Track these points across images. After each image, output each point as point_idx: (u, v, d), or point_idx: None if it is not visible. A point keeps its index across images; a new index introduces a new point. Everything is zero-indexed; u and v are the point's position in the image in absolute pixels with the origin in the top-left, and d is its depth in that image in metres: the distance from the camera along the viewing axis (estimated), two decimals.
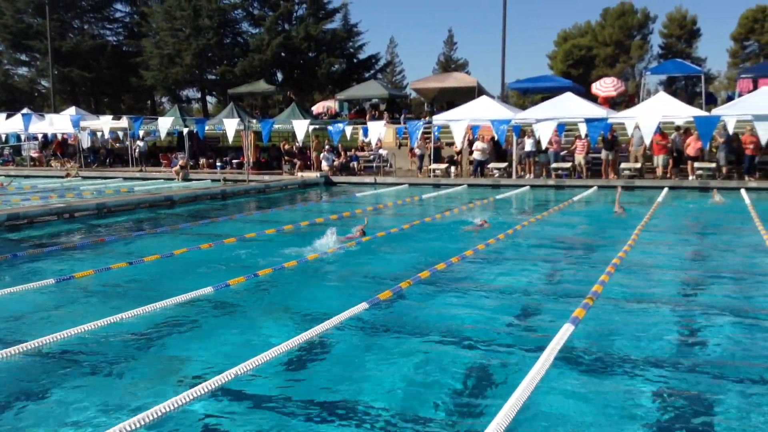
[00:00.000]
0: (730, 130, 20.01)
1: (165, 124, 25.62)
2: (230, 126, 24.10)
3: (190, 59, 42.33)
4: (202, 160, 29.36)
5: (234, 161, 28.47)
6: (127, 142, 32.37)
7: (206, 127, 28.37)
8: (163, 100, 56.67)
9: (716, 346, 5.48)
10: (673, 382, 4.71)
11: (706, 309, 6.64)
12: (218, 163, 28.33)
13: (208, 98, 49.90)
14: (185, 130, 27.89)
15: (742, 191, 17.65)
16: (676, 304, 6.89)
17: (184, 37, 42.64)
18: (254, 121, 26.14)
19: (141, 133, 29.70)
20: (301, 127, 23.88)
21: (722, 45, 71.41)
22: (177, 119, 27.45)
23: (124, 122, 29.61)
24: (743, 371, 4.87)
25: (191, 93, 51.38)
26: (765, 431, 3.91)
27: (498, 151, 23.56)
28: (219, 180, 24.40)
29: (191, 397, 4.19)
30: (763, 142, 19.09)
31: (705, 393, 4.50)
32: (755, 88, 25.81)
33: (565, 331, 5.40)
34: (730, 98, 28.97)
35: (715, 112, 20.66)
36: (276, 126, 27.34)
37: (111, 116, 28.98)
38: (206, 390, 4.31)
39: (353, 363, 5.15)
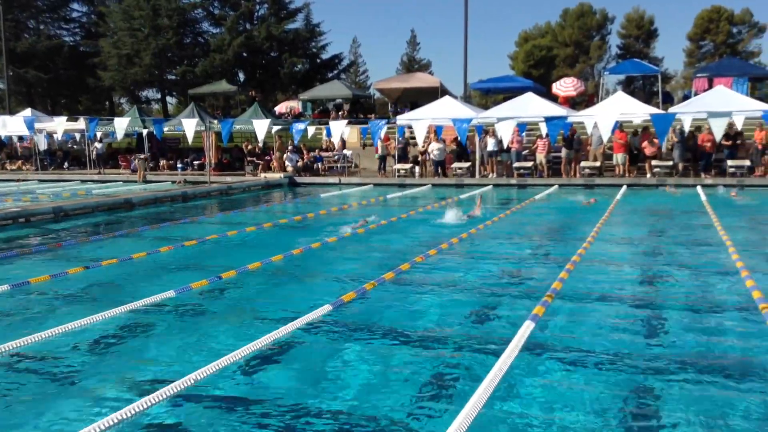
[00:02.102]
0: (686, 129, 20.53)
1: (122, 124, 25.16)
2: (189, 126, 23.77)
3: (149, 59, 41.68)
4: (163, 162, 28.93)
5: (195, 162, 28.13)
6: (85, 144, 31.73)
7: (166, 128, 27.94)
8: (122, 101, 55.68)
9: (674, 340, 5.59)
10: (631, 376, 4.78)
11: (664, 303, 6.79)
12: (179, 165, 27.95)
13: (169, 99, 49.23)
14: (144, 132, 27.45)
15: (698, 188, 18.08)
16: (635, 299, 7.02)
17: (143, 36, 41.96)
18: (215, 121, 25.84)
19: (98, 134, 29.10)
20: (262, 127, 23.68)
21: (679, 45, 73.18)
22: (135, 120, 26.98)
23: (80, 124, 28.99)
24: (699, 364, 4.98)
25: (151, 94, 50.67)
26: (720, 421, 3.99)
27: (461, 150, 23.72)
28: (178, 182, 24.03)
29: (152, 402, 4.12)
30: (717, 139, 19.61)
31: (663, 386, 4.58)
32: (710, 86, 26.50)
33: (526, 328, 5.45)
34: (686, 97, 29.68)
35: (671, 110, 21.15)
36: (238, 126, 27.07)
37: (65, 117, 28.31)
38: (168, 394, 4.24)
39: (317, 365, 5.12)
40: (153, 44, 41.58)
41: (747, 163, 19.86)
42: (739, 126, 20.02)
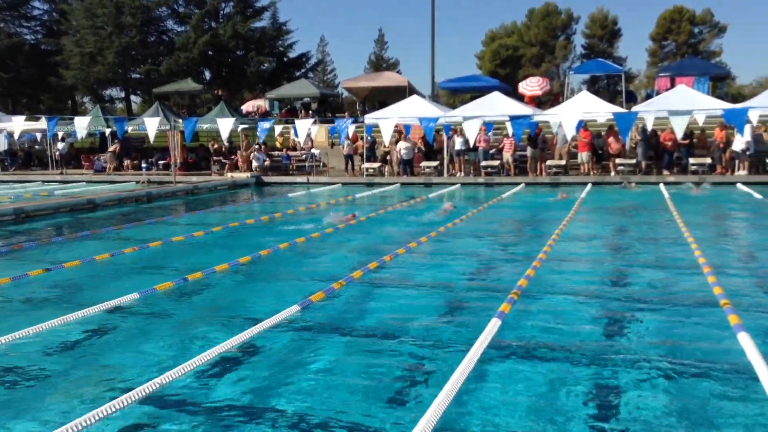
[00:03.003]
0: (649, 127, 20.91)
1: (82, 123, 24.69)
2: (151, 125, 23.44)
3: (113, 58, 40.97)
4: (127, 161, 28.47)
5: (160, 162, 27.72)
6: (47, 144, 31.06)
7: (129, 128, 27.52)
8: (85, 100, 54.61)
9: (638, 335, 5.68)
10: (597, 371, 4.85)
11: (628, 300, 6.89)
12: (143, 165, 27.52)
13: (133, 98, 48.44)
14: (107, 131, 26.98)
15: (661, 186, 18.42)
16: (600, 296, 7.12)
17: (106, 35, 41.21)
18: (180, 120, 25.52)
19: (60, 134, 28.52)
20: (226, 126, 23.47)
21: (642, 45, 74.34)
22: (98, 119, 26.51)
23: (42, 123, 28.35)
24: (663, 359, 5.06)
25: (115, 92, 49.74)
26: (683, 416, 4.06)
27: (429, 149, 23.78)
28: (142, 182, 23.66)
29: (117, 407, 4.03)
30: (678, 137, 20.00)
31: (628, 381, 4.65)
32: (672, 86, 27.00)
33: (493, 325, 5.48)
34: (649, 96, 30.19)
35: (634, 109, 21.51)
36: (205, 126, 26.78)
37: (24, 117, 27.67)
38: (132, 399, 4.16)
39: (285, 365, 5.09)
40: (116, 42, 40.87)
41: (708, 161, 20.29)
42: (700, 124, 20.46)
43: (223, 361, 5.08)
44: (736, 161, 20.17)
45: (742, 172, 19.86)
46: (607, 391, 4.49)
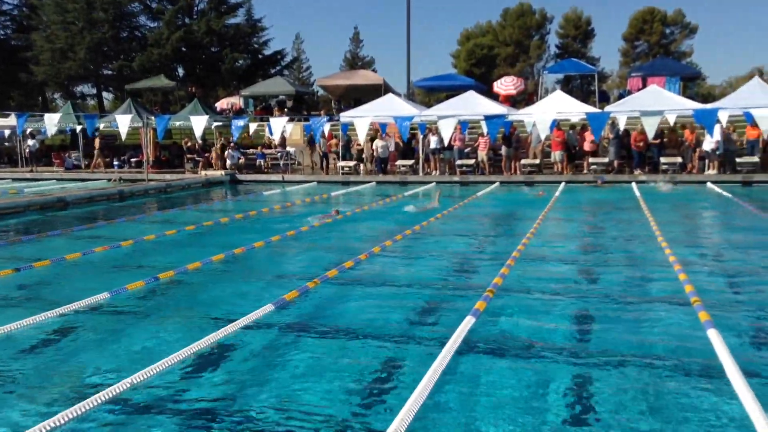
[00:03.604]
0: (621, 127, 21.17)
1: (52, 120, 24.29)
2: (123, 122, 23.15)
3: (84, 53, 40.35)
4: (98, 159, 28.06)
5: (132, 160, 27.39)
6: (16, 141, 30.49)
7: (102, 125, 27.15)
8: (56, 96, 53.72)
9: (610, 333, 5.73)
10: (570, 368, 4.88)
11: (601, 297, 6.96)
12: (115, 162, 27.17)
13: (105, 94, 47.79)
14: (78, 128, 26.59)
15: (633, 184, 18.65)
16: (573, 293, 7.18)
17: (77, 30, 40.57)
18: (153, 117, 25.24)
19: (29, 130, 28.02)
20: (200, 124, 23.25)
21: (614, 45, 75.13)
22: (68, 116, 26.09)
23: (11, 120, 27.83)
24: (635, 355, 5.12)
25: (86, 89, 48.98)
26: (656, 411, 4.11)
27: (406, 148, 23.79)
28: (114, 180, 23.35)
29: (86, 408, 3.96)
30: (650, 136, 20.27)
31: (601, 377, 4.69)
32: (644, 86, 27.35)
33: (467, 323, 5.50)
34: (621, 96, 30.56)
35: (607, 109, 21.76)
36: (178, 123, 26.52)
37: None
38: (103, 400, 4.09)
39: (259, 365, 5.05)
40: (88, 38, 40.26)
41: (679, 160, 20.59)
42: (671, 124, 20.76)
43: (195, 361, 5.02)
44: (706, 161, 20.50)
45: (711, 172, 20.20)
46: (581, 388, 4.53)
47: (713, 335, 5.07)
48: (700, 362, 4.89)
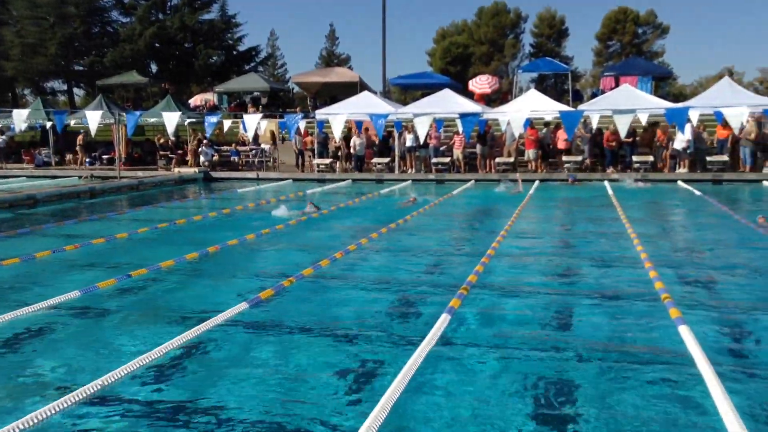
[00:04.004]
0: (594, 126, 21.40)
1: (21, 116, 23.85)
2: (93, 118, 22.81)
3: (55, 49, 39.66)
4: (69, 156, 27.66)
5: (104, 157, 27.01)
6: None
7: (72, 121, 26.74)
8: (26, 92, 52.71)
9: (583, 329, 5.80)
10: (544, 365, 4.92)
11: (575, 294, 7.03)
12: (87, 159, 26.78)
13: (76, 90, 46.97)
14: (48, 124, 26.16)
15: (606, 183, 18.86)
16: (547, 290, 7.23)
17: (48, 25, 39.89)
18: (124, 114, 24.92)
19: None
20: (172, 120, 23.00)
21: (588, 44, 76.01)
22: (38, 112, 25.64)
23: None
24: (608, 352, 5.18)
25: (57, 85, 48.15)
26: (626, 407, 4.16)
27: (383, 145, 23.77)
28: (85, 177, 23.00)
29: (57, 410, 3.90)
30: (622, 135, 20.52)
31: (575, 374, 4.73)
32: (617, 85, 27.65)
33: (442, 321, 5.51)
34: (594, 95, 30.87)
35: (580, 108, 21.97)
36: (152, 120, 26.20)
37: None
38: (73, 401, 4.03)
39: (232, 364, 5.00)
40: (59, 33, 39.60)
41: (651, 158, 20.86)
42: (643, 122, 21.03)
43: (168, 361, 4.96)
44: (677, 159, 20.80)
45: (682, 170, 20.50)
46: (554, 385, 4.56)
47: (684, 331, 5.14)
48: (671, 357, 4.95)
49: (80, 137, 26.54)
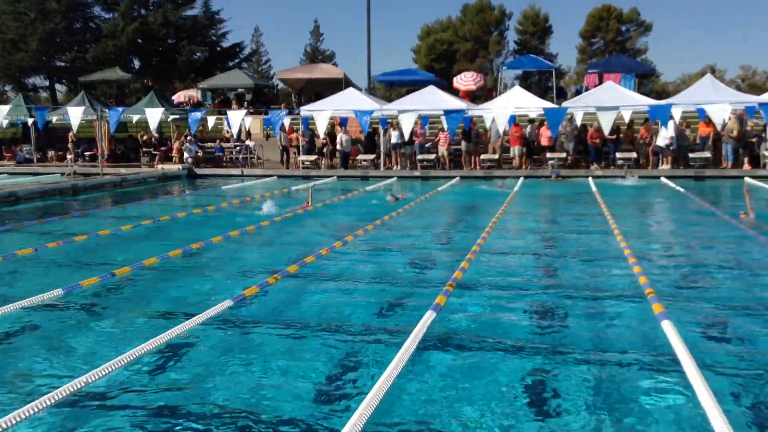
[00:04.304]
0: (578, 123, 21.51)
1: (2, 113, 23.61)
2: (75, 114, 22.59)
3: (36, 45, 39.20)
4: (51, 153, 27.36)
5: (87, 153, 26.74)
6: None
7: (54, 118, 26.46)
8: (7, 88, 52.05)
9: (568, 324, 5.83)
10: (529, 361, 4.95)
11: (559, 290, 7.05)
12: (69, 156, 26.51)
13: (58, 86, 46.47)
14: (30, 121, 25.87)
15: (590, 179, 18.98)
16: (532, 286, 7.26)
17: (29, 21, 39.41)
18: (107, 110, 24.70)
19: None
20: (155, 117, 22.83)
21: (572, 42, 76.29)
22: (19, 108, 25.34)
23: None
24: (593, 348, 5.21)
25: (39, 81, 47.58)
26: (610, 402, 4.18)
27: (367, 142, 23.73)
28: (67, 174, 22.76)
29: (39, 408, 3.84)
30: (606, 132, 20.64)
31: (561, 370, 4.75)
32: (600, 82, 27.80)
33: (427, 318, 5.51)
34: (578, 92, 31.02)
35: (564, 105, 22.06)
36: (136, 116, 25.99)
37: None
38: (56, 399, 3.98)
39: (216, 362, 4.97)
40: (40, 29, 39.13)
41: (634, 155, 21.00)
42: (626, 119, 21.16)
43: (151, 359, 4.93)
44: (660, 156, 20.97)
45: (665, 167, 20.67)
46: (540, 381, 4.58)
47: (667, 326, 5.18)
48: (654, 353, 4.99)
49: (71, 134, 26.24)
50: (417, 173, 21.80)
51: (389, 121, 22.88)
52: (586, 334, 5.55)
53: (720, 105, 19.40)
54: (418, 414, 4.07)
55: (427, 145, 23.15)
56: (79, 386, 4.18)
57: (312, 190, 14.68)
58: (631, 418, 3.96)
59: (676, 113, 20.36)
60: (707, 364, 4.65)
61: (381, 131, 23.01)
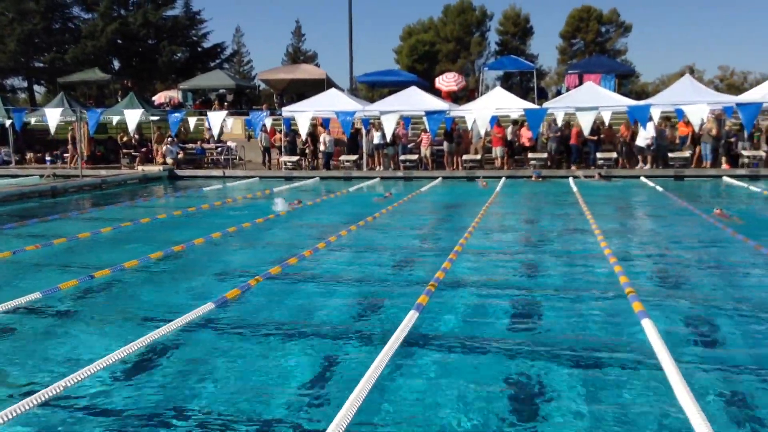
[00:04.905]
0: (559, 123, 21.66)
1: None
2: (53, 116, 22.35)
3: (14, 45, 38.70)
4: (30, 155, 27.03)
5: (65, 155, 26.44)
6: None
7: (33, 119, 26.15)
8: None
9: (549, 324, 5.86)
10: (511, 361, 4.97)
11: (541, 289, 7.09)
12: (47, 158, 26.20)
13: (36, 88, 45.89)
14: (8, 122, 25.52)
15: (570, 179, 19.11)
16: (514, 286, 7.30)
17: (7, 21, 38.90)
18: (86, 111, 24.45)
19: None
20: (134, 118, 22.65)
21: (553, 42, 76.79)
22: None
23: None
24: (574, 347, 5.24)
25: (17, 82, 46.97)
26: (591, 399, 4.22)
27: (350, 143, 23.71)
28: (46, 176, 22.48)
29: (17, 412, 3.79)
30: (585, 132, 20.80)
31: (543, 369, 4.78)
32: (581, 83, 28.00)
33: (410, 318, 5.51)
34: (559, 93, 31.23)
35: (545, 105, 22.20)
36: (116, 118, 25.74)
37: None
38: (35, 403, 3.93)
39: (199, 366, 4.94)
40: (18, 30, 38.62)
41: (614, 155, 21.19)
42: (606, 120, 21.34)
43: (132, 363, 4.89)
44: (640, 155, 21.17)
45: (645, 167, 20.87)
46: (522, 379, 4.60)
47: (647, 324, 5.23)
48: (634, 350, 5.04)
49: (70, 134, 25.85)
50: (400, 174, 21.82)
51: (371, 121, 22.88)
52: (567, 333, 5.59)
53: (698, 105, 19.63)
54: (402, 414, 4.07)
55: (409, 146, 23.18)
56: (57, 390, 4.13)
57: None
58: (610, 416, 3.99)
59: (656, 114, 20.57)
60: (686, 361, 4.70)
61: (363, 132, 23.01)
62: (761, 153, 20.40)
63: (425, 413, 4.08)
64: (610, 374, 4.66)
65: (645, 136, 20.61)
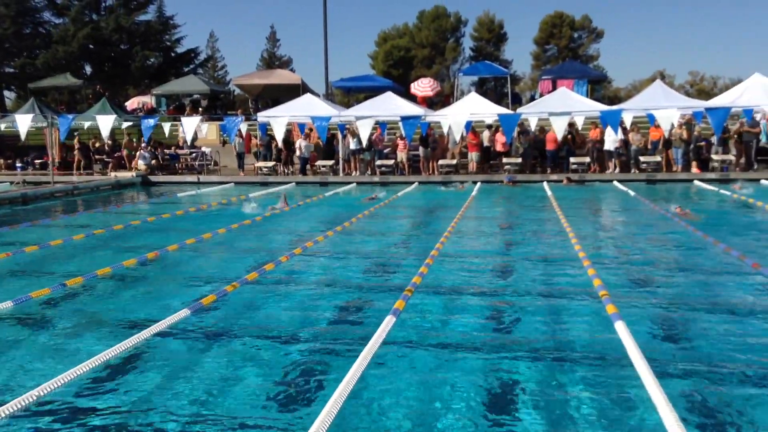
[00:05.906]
0: (533, 128, 21.87)
1: None
2: (23, 122, 22.04)
3: None
4: (0, 161, 26.59)
5: (37, 161, 26.06)
6: None
7: (2, 125, 25.77)
8: None
9: (525, 327, 5.91)
10: (487, 364, 5.00)
11: (516, 293, 7.15)
12: (18, 164, 25.79)
13: (7, 93, 45.16)
14: None
15: (544, 184, 19.29)
16: (490, 290, 7.35)
17: None
18: (57, 117, 24.12)
19: None
20: (106, 123, 22.41)
21: (526, 48, 77.51)
22: None
23: None
24: (549, 349, 5.29)
25: None
26: (568, 404, 4.26)
27: (327, 148, 23.68)
28: (16, 182, 22.11)
29: None
30: (558, 137, 21.04)
31: (517, 372, 4.82)
32: (554, 88, 28.34)
33: (387, 323, 5.52)
34: (533, 98, 31.54)
35: (519, 111, 22.42)
36: (87, 123, 25.44)
37: None
38: (5, 414, 3.85)
39: (174, 373, 4.90)
40: None
41: (587, 159, 21.44)
42: (579, 125, 21.61)
43: (106, 371, 4.82)
44: (611, 160, 21.45)
45: (614, 171, 21.16)
46: (497, 384, 4.63)
47: (620, 327, 5.30)
48: (607, 352, 5.10)
49: (76, 140, 25.41)
50: (376, 179, 21.85)
51: (347, 127, 22.90)
52: (542, 335, 5.64)
53: (669, 110, 19.95)
54: (379, 418, 4.07)
55: (385, 151, 23.23)
56: (29, 401, 4.06)
57: (285, 194, 15.01)
58: (583, 418, 4.04)
59: (627, 118, 20.87)
60: (659, 363, 4.77)
61: (339, 137, 23.01)
62: (731, 157, 20.79)
63: (402, 417, 4.08)
64: (583, 376, 4.71)
65: (614, 140, 20.90)
